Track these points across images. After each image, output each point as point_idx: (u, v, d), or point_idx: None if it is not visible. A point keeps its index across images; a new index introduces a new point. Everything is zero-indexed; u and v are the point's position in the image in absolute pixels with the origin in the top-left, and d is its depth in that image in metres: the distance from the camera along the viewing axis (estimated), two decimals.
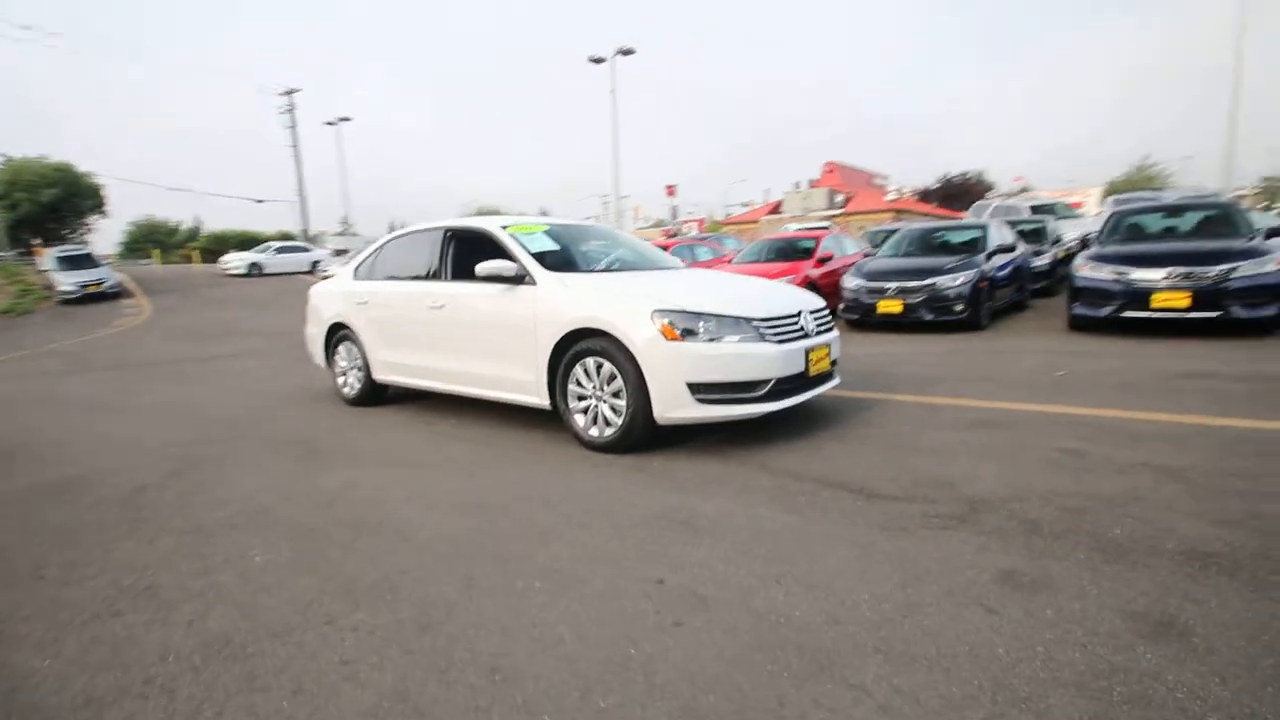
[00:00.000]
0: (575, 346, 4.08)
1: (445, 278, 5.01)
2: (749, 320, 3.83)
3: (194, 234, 55.23)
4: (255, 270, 26.15)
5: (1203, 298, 6.59)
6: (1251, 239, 7.12)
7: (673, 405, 3.75)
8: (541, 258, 4.53)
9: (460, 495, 3.45)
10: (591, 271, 4.75)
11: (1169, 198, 12.95)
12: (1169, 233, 8.14)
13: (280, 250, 27.32)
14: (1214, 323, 6.66)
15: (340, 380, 6.01)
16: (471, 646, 2.05)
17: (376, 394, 5.78)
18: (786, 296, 4.34)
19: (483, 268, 4.43)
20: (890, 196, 42.25)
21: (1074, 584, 2.23)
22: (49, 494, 3.84)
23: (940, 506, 2.95)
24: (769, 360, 3.80)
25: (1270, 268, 6.48)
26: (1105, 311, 7.16)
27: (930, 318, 8.39)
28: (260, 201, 44.51)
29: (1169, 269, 6.80)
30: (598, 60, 21.97)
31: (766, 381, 3.80)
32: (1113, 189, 45.11)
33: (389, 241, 5.76)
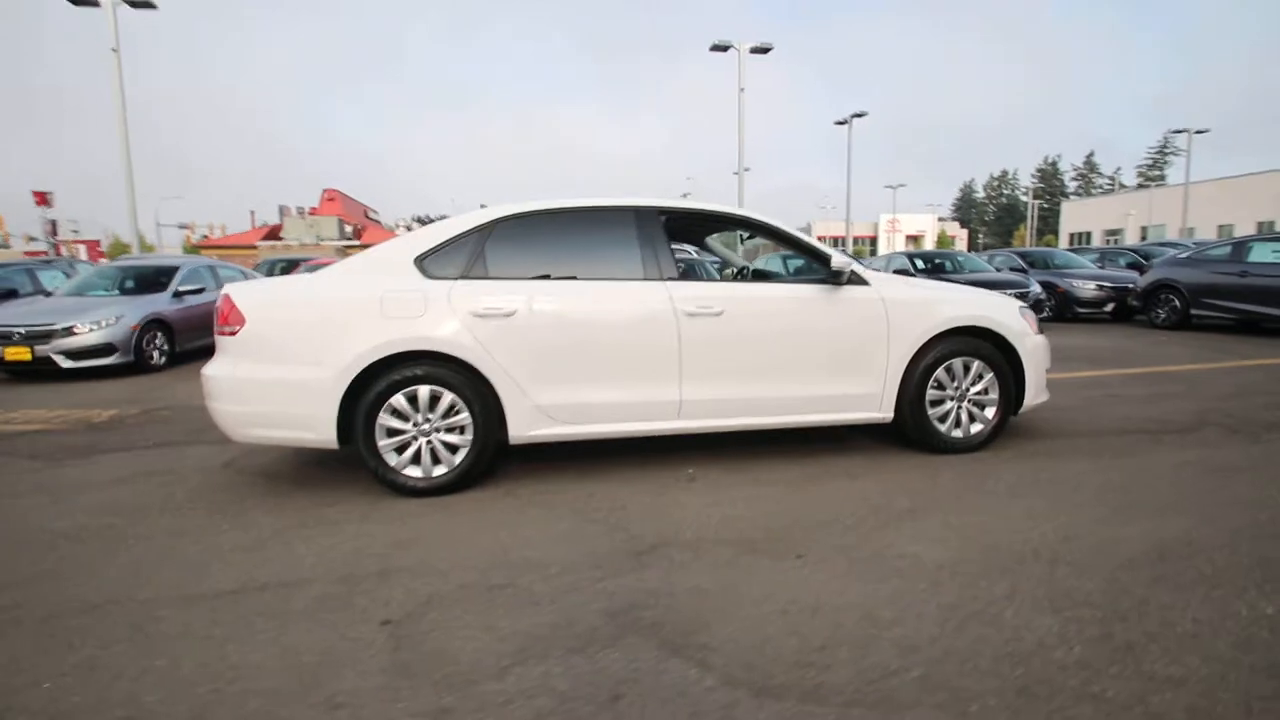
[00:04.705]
0: (934, 350, 3.88)
1: (664, 276, 3.69)
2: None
3: None
4: None
5: None
6: None
7: (1037, 394, 4.09)
8: None
9: (1032, 525, 3.06)
10: None
11: None
12: None
13: None
14: None
15: (397, 458, 3.40)
16: None
17: (488, 465, 3.59)
18: None
19: (839, 261, 3.67)
20: (400, 230, 42.06)
21: None
22: None
23: (1228, 427, 4.37)
24: None
25: None
26: None
27: None
28: None
29: None
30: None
31: None
32: None
33: (504, 220, 3.64)
